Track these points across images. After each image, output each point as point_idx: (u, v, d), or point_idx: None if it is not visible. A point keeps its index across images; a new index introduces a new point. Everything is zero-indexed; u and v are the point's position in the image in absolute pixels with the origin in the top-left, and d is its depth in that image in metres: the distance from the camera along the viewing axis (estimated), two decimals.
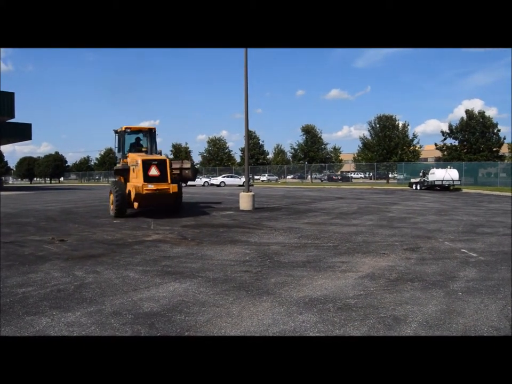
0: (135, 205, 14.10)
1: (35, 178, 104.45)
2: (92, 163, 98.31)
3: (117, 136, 16.38)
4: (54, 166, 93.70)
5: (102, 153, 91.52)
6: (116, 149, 16.77)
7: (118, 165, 15.77)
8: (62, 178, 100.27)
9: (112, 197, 14.58)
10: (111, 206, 14.72)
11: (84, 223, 13.09)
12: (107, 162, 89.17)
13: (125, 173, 15.03)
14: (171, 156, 78.13)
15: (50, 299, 5.14)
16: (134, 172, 14.28)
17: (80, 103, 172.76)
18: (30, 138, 51.26)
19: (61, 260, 7.45)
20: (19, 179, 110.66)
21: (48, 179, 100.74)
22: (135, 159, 14.30)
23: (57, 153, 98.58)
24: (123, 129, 15.82)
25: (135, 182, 13.88)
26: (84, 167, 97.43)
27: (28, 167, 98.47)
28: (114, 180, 16.20)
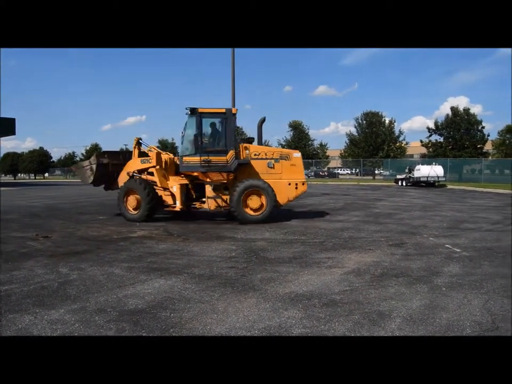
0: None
1: (19, 174, 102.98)
2: (77, 159, 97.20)
3: (193, 120, 12.10)
4: (39, 161, 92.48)
5: (88, 149, 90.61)
6: (195, 138, 11.97)
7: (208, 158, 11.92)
8: (46, 174, 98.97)
9: (136, 197, 12.15)
10: (128, 207, 12.35)
11: (68, 219, 12.96)
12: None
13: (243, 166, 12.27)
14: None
15: (33, 296, 5.08)
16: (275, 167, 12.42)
17: (65, 98, 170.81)
18: (14, 133, 50.47)
19: (44, 256, 7.36)
20: (2, 175, 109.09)
21: (33, 175, 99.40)
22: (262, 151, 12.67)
23: (41, 148, 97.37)
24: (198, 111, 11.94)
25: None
26: (69, 163, 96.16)
27: (12, 162, 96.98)
28: (136, 177, 12.74)
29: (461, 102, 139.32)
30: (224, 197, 12.35)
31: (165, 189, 12.49)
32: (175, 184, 12.37)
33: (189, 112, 11.81)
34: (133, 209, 12.31)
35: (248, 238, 9.26)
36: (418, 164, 38.31)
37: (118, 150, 15.34)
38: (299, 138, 63.26)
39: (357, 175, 63.32)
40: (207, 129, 12.30)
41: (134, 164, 13.07)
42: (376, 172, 58.47)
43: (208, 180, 12.23)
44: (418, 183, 35.11)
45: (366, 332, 4.00)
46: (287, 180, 12.54)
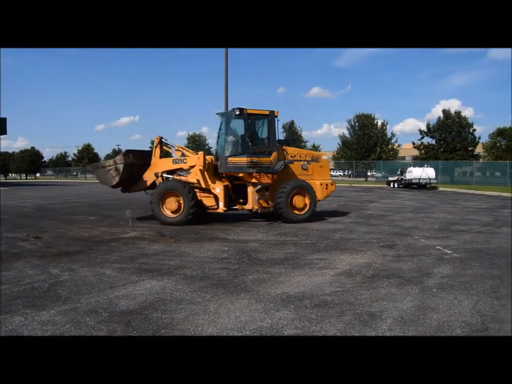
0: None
1: (10, 174, 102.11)
2: (69, 159, 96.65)
3: (240, 121, 12.17)
4: (30, 161, 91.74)
5: (80, 149, 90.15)
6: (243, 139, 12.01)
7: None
8: (38, 174, 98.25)
9: (177, 199, 11.51)
10: (165, 210, 11.63)
11: (59, 219, 12.88)
12: (85, 158, 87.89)
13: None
14: None
15: (23, 297, 5.04)
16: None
17: (58, 98, 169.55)
18: (5, 133, 49.98)
19: (35, 257, 7.31)
20: None
21: (24, 175, 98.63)
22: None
23: (33, 148, 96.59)
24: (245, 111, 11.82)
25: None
26: (61, 163, 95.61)
27: (3, 162, 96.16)
28: (176, 178, 12.23)
29: (453, 105, 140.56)
30: (264, 198, 12.33)
31: (205, 190, 12.11)
32: (218, 185, 12.05)
33: (238, 113, 11.68)
34: (171, 212, 11.58)
35: (241, 239, 9.26)
36: (410, 166, 38.63)
37: (142, 149, 13.33)
38: (292, 140, 63.25)
39: (350, 177, 63.57)
40: (253, 130, 12.28)
41: (164, 164, 12.50)
42: (369, 173, 58.69)
43: (253, 180, 12.06)
44: (410, 185, 35.32)
45: (357, 332, 4.02)
46: (319, 180, 12.95)
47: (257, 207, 12.21)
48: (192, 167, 12.16)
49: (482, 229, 11.30)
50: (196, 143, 73.32)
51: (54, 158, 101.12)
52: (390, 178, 40.12)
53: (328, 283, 5.75)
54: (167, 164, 12.51)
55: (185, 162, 12.33)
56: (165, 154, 13.17)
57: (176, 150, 12.92)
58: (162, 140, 12.74)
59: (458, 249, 8.25)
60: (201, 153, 12.15)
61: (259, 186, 12.10)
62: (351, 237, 9.70)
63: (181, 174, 12.36)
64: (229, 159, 11.81)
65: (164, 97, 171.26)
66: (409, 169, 36.64)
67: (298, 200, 12.21)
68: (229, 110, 12.39)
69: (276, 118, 12.29)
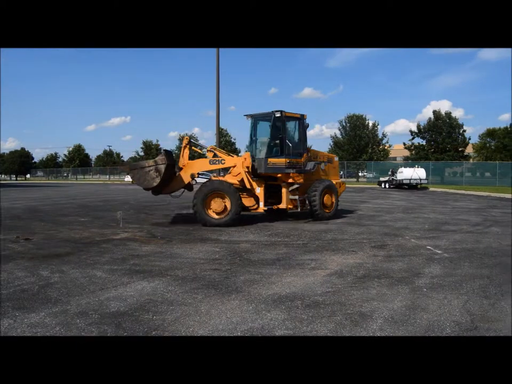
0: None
1: (0, 175, 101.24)
2: (60, 160, 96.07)
3: (278, 123, 12.40)
4: (20, 162, 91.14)
5: (70, 150, 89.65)
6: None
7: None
8: (28, 175, 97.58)
9: (223, 200, 11.40)
10: (209, 211, 11.46)
11: (50, 221, 12.79)
12: (76, 158, 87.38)
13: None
14: (142, 154, 77.16)
15: (13, 300, 5.00)
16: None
17: (48, 98, 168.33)
18: None
19: (25, 259, 7.25)
20: None
21: (14, 176, 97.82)
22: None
23: (23, 149, 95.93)
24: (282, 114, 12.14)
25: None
26: (51, 164, 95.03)
27: None
28: (220, 179, 12.26)
29: (444, 106, 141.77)
30: (292, 198, 12.62)
31: (245, 190, 12.15)
32: (259, 185, 12.17)
33: (278, 115, 11.99)
34: (216, 213, 11.44)
35: (232, 240, 9.26)
36: (401, 167, 38.85)
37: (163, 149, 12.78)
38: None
39: (341, 177, 63.74)
40: (288, 132, 12.72)
41: (201, 165, 12.48)
42: (360, 174, 58.98)
43: (290, 180, 12.45)
44: (401, 186, 35.56)
45: (348, 332, 4.03)
46: (334, 180, 13.72)
47: (290, 206, 12.67)
48: (231, 167, 12.30)
49: (472, 228, 11.39)
50: None
51: (44, 159, 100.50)
52: (381, 179, 40.39)
53: (319, 283, 5.77)
54: (203, 165, 12.55)
55: (223, 163, 12.38)
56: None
57: (208, 150, 12.97)
58: (191, 140, 12.72)
59: (448, 249, 8.31)
60: (247, 153, 12.30)
61: (296, 186, 12.45)
62: (342, 237, 9.74)
63: (214, 174, 12.44)
64: (269, 159, 12.06)
65: (155, 98, 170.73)
66: (400, 169, 36.90)
67: (327, 199, 12.90)
68: (261, 112, 12.86)
69: (305, 121, 12.96)
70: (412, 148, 52.31)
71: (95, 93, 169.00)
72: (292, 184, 12.45)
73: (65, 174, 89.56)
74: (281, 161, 12.07)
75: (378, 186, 39.92)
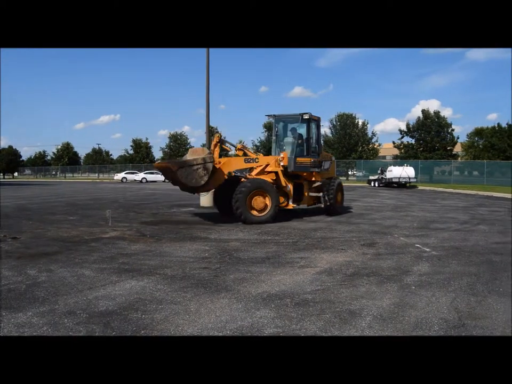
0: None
1: None
2: (48, 158, 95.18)
3: (304, 125, 13.33)
4: (8, 160, 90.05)
5: (59, 148, 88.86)
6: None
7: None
8: (16, 174, 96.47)
9: (264, 198, 11.75)
10: (251, 209, 11.66)
11: (38, 220, 12.67)
12: (65, 157, 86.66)
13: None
14: (131, 152, 76.73)
15: None
16: None
17: (36, 96, 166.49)
18: None
19: (12, 258, 7.17)
20: None
21: (1, 174, 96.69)
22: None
23: (11, 147, 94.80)
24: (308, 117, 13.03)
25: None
26: (39, 162, 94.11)
27: None
28: (248, 176, 12.52)
29: (433, 105, 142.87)
30: (314, 195, 13.61)
31: (278, 188, 12.54)
32: (289, 183, 12.82)
33: (307, 117, 12.82)
34: (257, 211, 11.68)
35: (222, 239, 9.24)
36: (391, 165, 39.12)
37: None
38: None
39: None
40: (313, 133, 13.53)
41: (237, 163, 12.65)
42: (350, 172, 59.22)
43: (313, 178, 13.47)
44: (390, 184, 35.79)
45: (337, 330, 4.05)
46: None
47: (309, 204, 13.93)
48: (265, 165, 12.67)
49: (460, 227, 11.50)
50: (178, 142, 72.94)
51: (32, 157, 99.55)
52: (371, 177, 40.61)
53: (308, 282, 5.78)
54: (239, 163, 12.77)
55: (257, 162, 12.67)
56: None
57: (238, 149, 13.44)
58: (222, 138, 12.97)
59: (436, 247, 8.38)
60: (285, 153, 12.74)
61: (318, 184, 13.47)
62: (331, 235, 9.77)
63: (247, 174, 12.85)
64: (297, 159, 12.78)
65: (145, 96, 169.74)
66: (389, 168, 37.16)
67: (338, 196, 14.23)
68: (286, 113, 13.85)
69: (320, 123, 14.04)
70: (401, 146, 52.66)
71: (84, 91, 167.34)
72: (314, 182, 13.45)
73: (54, 172, 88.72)
74: (307, 160, 13.00)
75: (368, 184, 40.13)
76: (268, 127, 64.22)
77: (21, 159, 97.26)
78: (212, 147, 12.60)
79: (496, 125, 51.05)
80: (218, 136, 12.78)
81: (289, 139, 13.47)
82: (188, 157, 12.27)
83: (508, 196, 24.91)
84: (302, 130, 13.33)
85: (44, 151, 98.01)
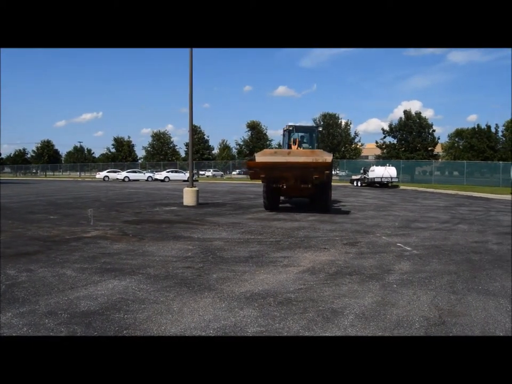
0: None
1: None
2: (29, 156, 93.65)
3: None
4: None
5: (39, 146, 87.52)
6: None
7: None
8: None
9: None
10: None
11: (18, 219, 12.45)
12: (45, 155, 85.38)
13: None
14: (113, 150, 75.94)
15: None
16: None
17: (15, 92, 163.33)
18: None
19: None
20: None
21: None
22: None
23: None
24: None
25: None
26: (19, 160, 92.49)
27: None
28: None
29: (415, 106, 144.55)
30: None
31: None
32: None
33: (321, 129, 16.31)
34: None
35: (205, 238, 9.22)
36: (373, 165, 39.46)
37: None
38: (257, 138, 63.70)
39: None
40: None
41: None
42: (333, 172, 59.61)
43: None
44: (372, 184, 36.12)
45: (320, 329, 4.08)
46: None
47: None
48: None
49: (441, 226, 11.68)
50: (161, 141, 72.46)
51: (12, 155, 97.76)
52: (353, 177, 40.91)
53: (291, 281, 5.81)
54: None
55: None
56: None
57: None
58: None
59: (418, 246, 8.50)
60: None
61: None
62: (315, 235, 9.82)
63: None
64: None
65: (128, 94, 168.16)
66: (371, 168, 37.49)
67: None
68: (302, 124, 18.08)
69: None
70: (384, 146, 53.21)
71: (66, 88, 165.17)
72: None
73: (34, 171, 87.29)
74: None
75: (350, 184, 40.41)
76: (251, 127, 64.32)
77: (0, 157, 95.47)
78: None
79: (476, 126, 51.99)
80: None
81: (306, 146, 16.63)
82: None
83: (487, 195, 25.43)
84: (318, 138, 17.59)
85: (24, 149, 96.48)
